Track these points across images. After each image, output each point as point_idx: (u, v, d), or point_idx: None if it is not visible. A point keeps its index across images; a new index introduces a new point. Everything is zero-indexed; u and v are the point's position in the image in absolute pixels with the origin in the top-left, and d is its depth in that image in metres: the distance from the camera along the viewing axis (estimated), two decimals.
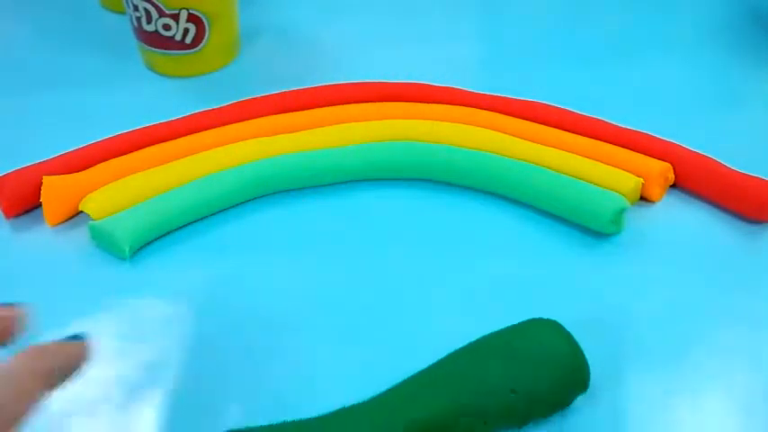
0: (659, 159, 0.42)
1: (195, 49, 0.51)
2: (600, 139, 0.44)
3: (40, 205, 0.41)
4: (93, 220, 0.39)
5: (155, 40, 0.50)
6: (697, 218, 0.41)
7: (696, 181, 0.42)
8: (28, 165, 0.42)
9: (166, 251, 0.40)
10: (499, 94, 0.48)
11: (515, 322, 0.35)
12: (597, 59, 0.54)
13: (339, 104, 0.47)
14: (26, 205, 0.41)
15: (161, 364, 0.34)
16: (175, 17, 0.49)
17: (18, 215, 0.41)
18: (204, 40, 0.51)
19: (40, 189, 0.41)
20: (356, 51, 0.55)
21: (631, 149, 0.43)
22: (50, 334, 0.35)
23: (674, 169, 0.42)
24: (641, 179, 0.41)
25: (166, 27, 0.49)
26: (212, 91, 0.51)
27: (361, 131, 0.44)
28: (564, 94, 0.48)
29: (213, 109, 0.46)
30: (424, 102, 0.47)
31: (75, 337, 0.27)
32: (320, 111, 0.46)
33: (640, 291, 0.37)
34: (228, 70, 0.53)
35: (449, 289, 0.38)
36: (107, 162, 0.43)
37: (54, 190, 0.40)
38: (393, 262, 0.39)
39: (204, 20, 0.50)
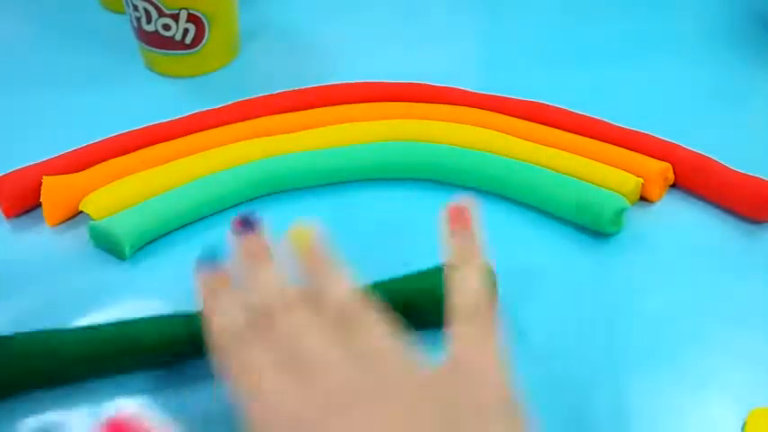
0: (659, 159, 0.42)
1: (195, 49, 0.51)
2: (600, 139, 0.44)
3: (40, 205, 0.41)
4: (93, 220, 0.39)
5: (155, 40, 0.50)
6: (696, 218, 0.41)
7: (696, 181, 0.42)
8: (28, 165, 0.42)
9: (166, 251, 0.40)
10: (499, 94, 0.48)
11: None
12: (597, 59, 0.54)
13: (339, 104, 0.47)
14: (26, 205, 0.41)
15: None
16: (175, 17, 0.49)
17: (18, 215, 0.41)
18: (204, 40, 0.51)
19: (40, 189, 0.41)
20: (356, 51, 0.55)
21: (631, 149, 0.43)
22: None
23: (674, 169, 0.42)
24: (641, 179, 0.41)
25: (166, 27, 0.49)
26: (212, 91, 0.51)
27: (362, 131, 0.44)
28: (564, 94, 0.48)
29: (213, 109, 0.47)
30: (424, 102, 0.47)
31: None
32: (320, 111, 0.46)
33: (640, 290, 0.37)
34: (228, 70, 0.53)
35: None
36: (107, 162, 0.43)
37: (54, 190, 0.40)
38: (393, 262, 0.39)
39: (204, 20, 0.50)
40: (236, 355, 0.28)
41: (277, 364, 0.27)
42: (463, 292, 0.29)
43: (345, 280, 0.30)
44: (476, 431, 0.25)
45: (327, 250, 0.31)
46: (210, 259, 0.31)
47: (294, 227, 0.31)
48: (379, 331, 0.28)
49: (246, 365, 0.28)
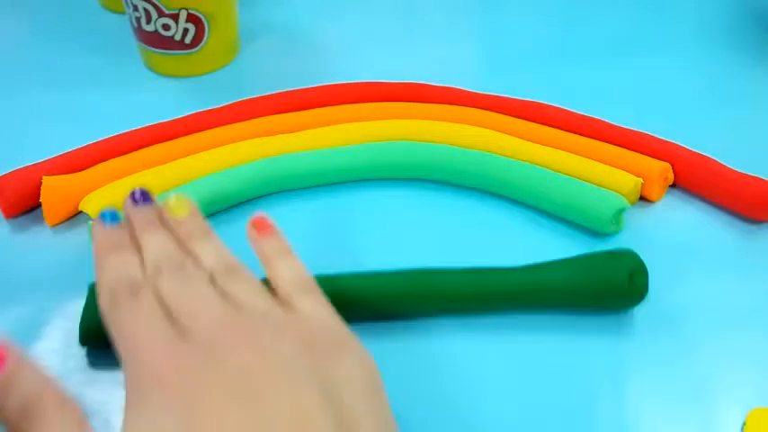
0: (659, 159, 0.42)
1: (195, 49, 0.51)
2: (600, 139, 0.44)
3: (40, 205, 0.41)
4: (92, 219, 0.39)
5: (154, 40, 0.50)
6: (696, 218, 0.41)
7: (695, 181, 0.42)
8: (28, 165, 0.42)
9: None
10: (499, 94, 0.48)
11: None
12: (597, 59, 0.54)
13: (339, 104, 0.47)
14: (26, 205, 0.41)
15: None
16: (175, 17, 0.49)
17: (18, 215, 0.41)
18: (204, 40, 0.51)
19: (40, 189, 0.41)
20: (356, 51, 0.55)
21: (631, 149, 0.43)
22: (50, 334, 0.35)
23: (674, 169, 0.42)
24: (641, 179, 0.41)
25: (166, 27, 0.49)
26: (212, 91, 0.51)
27: (361, 131, 0.44)
28: (564, 94, 0.48)
29: (213, 109, 0.47)
30: (424, 102, 0.47)
31: None
32: (320, 111, 0.46)
33: None
34: (228, 70, 0.53)
35: None
36: (107, 162, 0.43)
37: (54, 190, 0.40)
38: (392, 262, 0.39)
39: (204, 20, 0.50)
40: (119, 315, 0.28)
41: (158, 322, 0.28)
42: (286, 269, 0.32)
43: (217, 245, 0.32)
44: (331, 358, 0.27)
45: (201, 218, 0.34)
46: (110, 218, 0.33)
47: (170, 199, 0.34)
48: (249, 282, 0.30)
49: (128, 323, 0.28)
